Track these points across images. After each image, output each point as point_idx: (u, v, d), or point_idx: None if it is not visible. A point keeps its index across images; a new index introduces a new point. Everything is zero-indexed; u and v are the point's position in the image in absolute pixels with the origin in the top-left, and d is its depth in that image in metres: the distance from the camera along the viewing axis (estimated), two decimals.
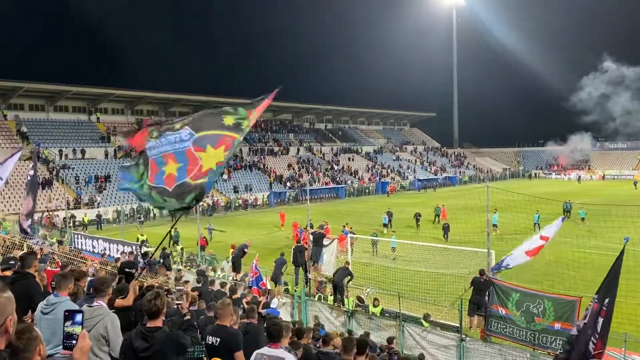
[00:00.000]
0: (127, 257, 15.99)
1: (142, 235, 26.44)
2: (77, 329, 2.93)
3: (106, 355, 4.66)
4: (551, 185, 68.30)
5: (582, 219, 31.26)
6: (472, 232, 28.97)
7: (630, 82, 77.31)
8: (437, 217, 35.46)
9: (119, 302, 6.97)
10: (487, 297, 12.46)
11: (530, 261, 13.62)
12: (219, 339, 5.65)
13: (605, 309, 6.92)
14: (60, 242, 25.26)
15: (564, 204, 34.58)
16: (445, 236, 28.60)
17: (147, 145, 7.32)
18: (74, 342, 2.88)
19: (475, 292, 14.02)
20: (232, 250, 21.76)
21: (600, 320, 6.80)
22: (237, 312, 7.90)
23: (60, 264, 11.68)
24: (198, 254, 23.00)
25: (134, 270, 12.00)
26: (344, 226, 26.70)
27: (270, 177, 60.83)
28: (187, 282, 13.50)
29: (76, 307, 4.68)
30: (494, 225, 29.61)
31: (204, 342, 5.78)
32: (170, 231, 9.07)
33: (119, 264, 14.79)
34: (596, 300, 6.96)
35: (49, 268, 10.40)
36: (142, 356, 4.21)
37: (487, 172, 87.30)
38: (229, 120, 7.46)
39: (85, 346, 2.88)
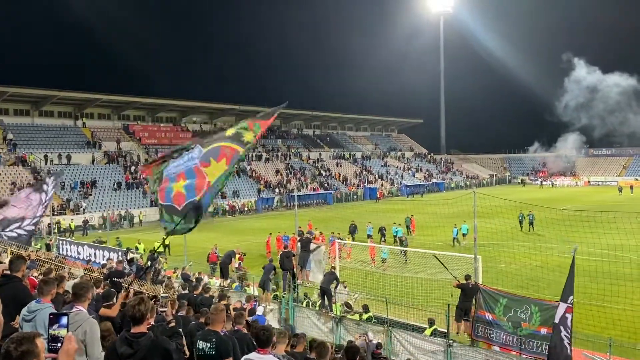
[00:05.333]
0: (115, 266, 15.69)
1: (139, 243, 26.11)
2: (62, 332, 2.89)
3: None
4: (541, 192, 68.97)
5: (464, 235, 29.68)
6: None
7: (614, 89, 78.43)
8: (408, 229, 33.63)
9: (103, 311, 6.90)
10: (474, 303, 12.51)
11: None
12: (209, 345, 5.61)
13: (571, 306, 7.81)
14: (48, 248, 24.96)
15: (520, 214, 33.81)
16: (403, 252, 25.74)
17: (162, 168, 7.38)
18: (59, 345, 2.84)
19: (462, 297, 14.04)
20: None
21: (569, 317, 7.27)
22: (230, 318, 7.85)
23: (45, 270, 11.53)
24: (185, 261, 22.76)
25: (121, 280, 11.88)
26: (332, 233, 26.72)
27: (260, 185, 60.61)
28: (172, 288, 13.38)
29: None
30: (463, 235, 29.49)
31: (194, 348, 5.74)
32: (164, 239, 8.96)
33: (104, 270, 14.64)
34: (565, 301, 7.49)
35: (32, 275, 10.21)
36: None
37: (475, 178, 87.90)
38: (229, 131, 7.47)
39: (70, 349, 2.83)
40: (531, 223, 33.78)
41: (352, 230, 31.09)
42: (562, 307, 8.18)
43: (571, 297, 8.00)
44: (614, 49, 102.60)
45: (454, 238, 29.33)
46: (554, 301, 11.36)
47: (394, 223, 31.22)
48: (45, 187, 14.23)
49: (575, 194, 63.33)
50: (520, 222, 34.26)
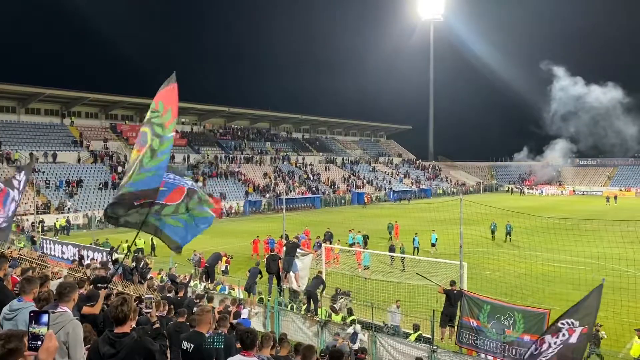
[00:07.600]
0: (98, 271, 15.29)
1: (126, 241, 25.81)
2: (43, 330, 2.86)
3: None
4: (525, 200, 69.60)
5: (433, 244, 28.84)
6: (444, 244, 29.25)
7: (599, 99, 79.55)
8: (390, 234, 33.40)
9: (86, 309, 6.86)
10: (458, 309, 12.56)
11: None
12: (192, 345, 5.59)
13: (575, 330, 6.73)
14: (33, 242, 24.55)
15: (492, 224, 32.80)
16: (391, 259, 25.14)
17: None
18: (39, 343, 2.81)
19: (447, 303, 14.10)
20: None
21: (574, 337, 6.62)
22: (215, 320, 7.82)
23: (22, 269, 11.38)
24: (170, 262, 22.59)
25: (106, 285, 11.75)
26: (318, 237, 26.71)
27: (249, 188, 60.38)
28: (155, 290, 13.28)
29: None
30: (432, 245, 28.77)
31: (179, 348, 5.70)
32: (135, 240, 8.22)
33: (87, 271, 14.48)
34: (571, 325, 6.77)
35: (14, 275, 10.09)
36: None
37: (462, 185, 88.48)
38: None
39: (51, 346, 2.81)
40: (509, 233, 32.82)
41: (328, 237, 29.62)
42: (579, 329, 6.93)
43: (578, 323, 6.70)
44: (601, 59, 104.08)
45: (415, 247, 28.23)
46: (538, 308, 11.46)
47: (351, 230, 30.47)
48: (15, 182, 13.99)
49: (559, 203, 63.96)
50: (492, 232, 33.10)
